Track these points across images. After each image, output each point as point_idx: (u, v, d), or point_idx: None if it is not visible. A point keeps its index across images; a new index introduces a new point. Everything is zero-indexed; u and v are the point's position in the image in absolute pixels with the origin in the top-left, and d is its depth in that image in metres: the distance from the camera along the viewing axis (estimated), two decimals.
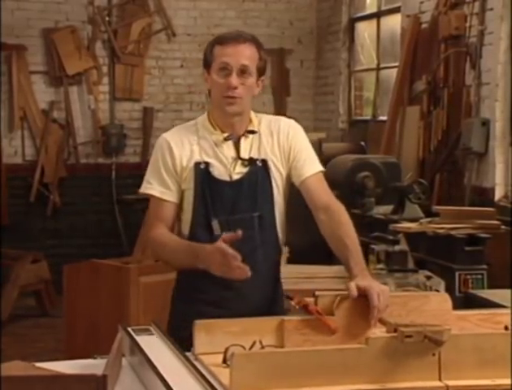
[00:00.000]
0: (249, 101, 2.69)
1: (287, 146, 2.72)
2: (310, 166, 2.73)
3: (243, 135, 2.70)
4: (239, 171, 2.68)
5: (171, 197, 2.69)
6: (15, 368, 2.03)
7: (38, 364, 2.15)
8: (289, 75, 8.89)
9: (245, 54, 2.63)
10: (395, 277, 4.28)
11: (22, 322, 6.97)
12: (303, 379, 1.98)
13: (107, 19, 8.38)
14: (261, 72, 2.69)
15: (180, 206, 2.71)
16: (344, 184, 5.80)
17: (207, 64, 2.68)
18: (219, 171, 2.67)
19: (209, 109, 2.77)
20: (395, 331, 2.07)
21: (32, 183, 8.13)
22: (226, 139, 2.68)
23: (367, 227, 5.32)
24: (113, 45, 8.36)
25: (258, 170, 2.68)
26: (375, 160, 6.05)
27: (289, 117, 2.83)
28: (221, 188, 2.66)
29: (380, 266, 4.41)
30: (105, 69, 8.42)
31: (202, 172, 2.66)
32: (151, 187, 2.71)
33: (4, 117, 8.08)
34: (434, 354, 2.04)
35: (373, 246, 4.55)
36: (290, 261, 4.82)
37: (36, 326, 6.93)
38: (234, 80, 2.61)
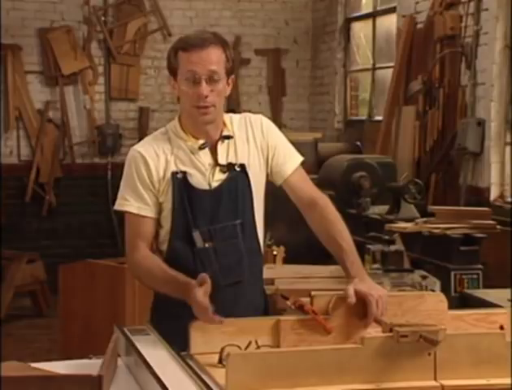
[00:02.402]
0: (222, 104, 2.58)
1: (264, 144, 2.62)
2: (291, 162, 2.64)
3: (218, 140, 2.58)
4: (218, 179, 2.56)
5: (149, 212, 2.55)
6: (10, 368, 2.03)
7: (34, 364, 2.14)
8: (285, 75, 8.90)
9: (212, 59, 2.48)
10: (391, 277, 4.29)
11: (17, 323, 6.96)
12: (299, 379, 1.98)
13: (103, 19, 8.38)
14: (230, 72, 2.56)
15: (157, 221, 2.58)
16: (340, 184, 5.81)
17: (173, 71, 2.54)
18: (197, 180, 2.55)
19: (179, 115, 2.62)
20: (390, 330, 2.07)
21: (27, 183, 8.13)
22: (201, 147, 2.56)
23: (363, 226, 5.33)
24: (108, 45, 8.35)
25: (237, 175, 2.57)
26: (371, 160, 6.05)
27: (267, 117, 2.71)
28: (200, 197, 2.54)
29: (376, 265, 4.41)
30: (100, 69, 8.42)
31: (180, 182, 2.53)
32: (128, 203, 2.56)
33: None
34: (429, 354, 2.04)
35: (369, 246, 4.55)
36: (286, 261, 4.82)
37: (31, 326, 6.92)
38: (204, 89, 2.47)
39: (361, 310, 2.35)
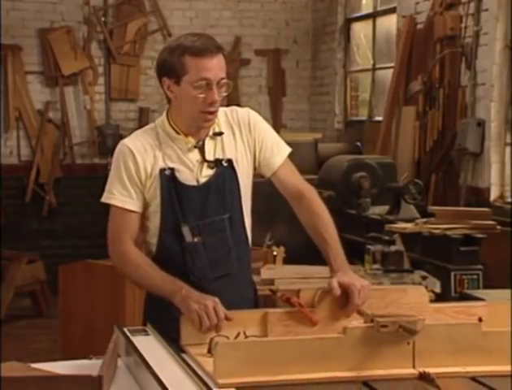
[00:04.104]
0: None
1: (251, 138, 2.64)
2: (278, 155, 2.67)
3: (206, 136, 2.61)
4: (205, 174, 2.59)
5: (133, 206, 2.59)
6: (10, 369, 2.03)
7: (34, 365, 2.15)
8: (285, 75, 8.90)
9: (221, 67, 2.51)
10: (391, 277, 4.29)
11: (17, 323, 6.96)
12: (284, 367, 2.04)
13: (103, 19, 8.39)
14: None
15: (144, 216, 2.62)
16: (340, 185, 5.82)
17: (173, 73, 2.53)
18: (185, 176, 2.58)
19: (167, 112, 2.66)
20: (371, 321, 2.14)
21: (27, 183, 8.13)
22: (196, 146, 2.59)
23: (363, 227, 5.33)
24: (109, 45, 8.36)
25: (225, 170, 2.60)
26: (371, 160, 6.05)
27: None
28: (188, 193, 2.58)
29: (376, 266, 4.41)
30: (100, 69, 8.42)
31: (168, 179, 2.57)
32: (113, 197, 2.63)
33: None
34: (408, 343, 2.11)
35: (369, 246, 4.55)
36: (286, 261, 4.82)
37: (31, 326, 6.92)
38: (216, 95, 2.50)
39: (345, 303, 2.41)
